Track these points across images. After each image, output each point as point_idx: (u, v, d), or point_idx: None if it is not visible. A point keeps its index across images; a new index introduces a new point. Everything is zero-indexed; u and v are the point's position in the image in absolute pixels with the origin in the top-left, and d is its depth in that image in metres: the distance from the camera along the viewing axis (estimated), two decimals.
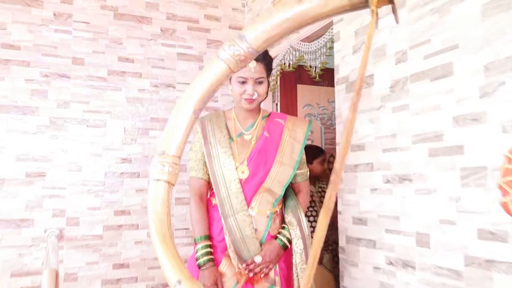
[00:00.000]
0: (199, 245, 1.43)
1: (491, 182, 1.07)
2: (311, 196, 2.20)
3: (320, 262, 2.14)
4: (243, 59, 0.65)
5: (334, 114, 2.25)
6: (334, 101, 1.87)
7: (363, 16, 1.60)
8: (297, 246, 1.43)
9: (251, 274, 1.42)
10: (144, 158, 2.34)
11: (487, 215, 1.07)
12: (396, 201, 1.40)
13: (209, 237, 1.47)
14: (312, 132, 2.85)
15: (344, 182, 1.70)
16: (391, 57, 1.44)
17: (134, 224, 2.30)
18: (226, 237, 1.45)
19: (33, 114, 2.14)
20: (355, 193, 1.63)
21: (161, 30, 2.45)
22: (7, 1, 2.13)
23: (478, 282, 1.09)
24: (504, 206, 0.59)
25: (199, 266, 1.40)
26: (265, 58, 1.48)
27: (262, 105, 1.59)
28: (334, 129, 2.30)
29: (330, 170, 2.44)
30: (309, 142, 2.42)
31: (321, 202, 2.22)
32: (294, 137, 1.53)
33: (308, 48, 2.11)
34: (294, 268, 1.44)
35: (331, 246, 2.23)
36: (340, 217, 1.72)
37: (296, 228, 1.47)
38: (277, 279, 1.45)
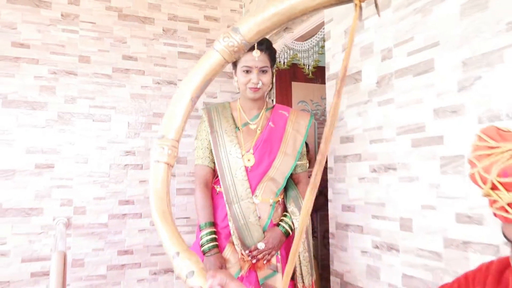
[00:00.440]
0: (204, 232, 1.43)
1: (468, 170, 1.12)
2: None
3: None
4: (236, 50, 0.70)
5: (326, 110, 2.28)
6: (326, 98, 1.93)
7: (352, 16, 1.65)
8: None
9: (254, 261, 1.42)
10: (147, 151, 2.37)
11: (464, 200, 1.11)
12: (382, 189, 1.43)
13: (214, 224, 1.46)
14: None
15: (334, 172, 1.71)
16: (377, 55, 1.47)
17: (137, 213, 2.33)
18: (230, 224, 1.45)
19: (42, 109, 2.18)
20: (344, 182, 1.65)
21: (163, 30, 2.49)
22: (17, 2, 2.17)
23: (456, 262, 1.13)
24: (472, 177, 0.61)
25: (204, 253, 1.40)
26: (268, 49, 1.49)
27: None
28: None
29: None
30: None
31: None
32: (297, 129, 1.54)
33: (302, 47, 2.13)
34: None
35: (317, 234, 2.28)
36: (330, 205, 1.74)
37: (298, 217, 1.48)
38: (279, 265, 1.46)
